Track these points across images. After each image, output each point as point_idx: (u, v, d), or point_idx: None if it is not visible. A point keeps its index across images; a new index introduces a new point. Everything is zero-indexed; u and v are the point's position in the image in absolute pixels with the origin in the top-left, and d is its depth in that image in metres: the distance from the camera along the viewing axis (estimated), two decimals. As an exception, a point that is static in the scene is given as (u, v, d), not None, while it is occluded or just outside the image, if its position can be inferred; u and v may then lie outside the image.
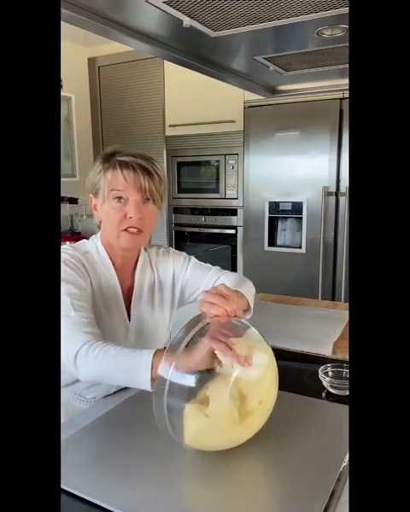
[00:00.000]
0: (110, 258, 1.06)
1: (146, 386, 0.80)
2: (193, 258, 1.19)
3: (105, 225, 1.05)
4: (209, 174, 3.05)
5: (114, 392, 1.08)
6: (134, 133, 3.32)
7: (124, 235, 1.01)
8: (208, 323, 0.79)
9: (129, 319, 1.09)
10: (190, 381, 0.75)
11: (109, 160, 1.01)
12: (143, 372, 0.80)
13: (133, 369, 0.82)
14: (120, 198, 0.99)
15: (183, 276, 1.15)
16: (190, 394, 0.76)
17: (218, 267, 1.16)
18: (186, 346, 0.75)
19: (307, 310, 1.68)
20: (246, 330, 0.83)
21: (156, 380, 0.76)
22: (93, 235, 1.10)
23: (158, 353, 0.81)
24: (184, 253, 1.19)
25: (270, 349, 0.82)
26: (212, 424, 0.75)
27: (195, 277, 1.14)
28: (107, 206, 1.01)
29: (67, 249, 1.04)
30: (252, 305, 0.98)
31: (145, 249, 1.15)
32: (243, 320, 0.84)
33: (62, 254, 1.01)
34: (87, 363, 0.86)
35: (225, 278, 1.08)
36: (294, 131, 2.60)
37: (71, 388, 1.11)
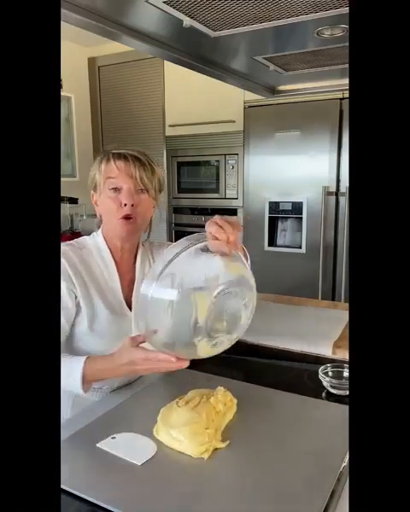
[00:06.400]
0: (111, 252, 1.10)
1: (80, 391, 0.88)
2: None
3: (105, 217, 1.09)
4: (209, 174, 3.05)
5: (117, 389, 1.10)
6: (134, 133, 3.32)
7: (120, 223, 1.05)
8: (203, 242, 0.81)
9: (130, 310, 1.11)
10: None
11: (105, 154, 1.06)
12: (74, 383, 0.88)
13: (66, 377, 0.88)
14: (114, 187, 1.03)
15: None
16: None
17: None
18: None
19: (307, 310, 1.68)
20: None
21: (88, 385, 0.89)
22: (94, 232, 1.13)
23: (89, 360, 0.88)
24: None
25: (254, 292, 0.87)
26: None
27: None
28: (104, 197, 1.05)
29: (61, 247, 1.06)
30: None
31: (143, 244, 1.18)
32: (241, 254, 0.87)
33: None
34: None
35: None
36: (294, 131, 2.60)
37: None
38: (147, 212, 1.08)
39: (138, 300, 0.82)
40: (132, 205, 1.03)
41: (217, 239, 0.80)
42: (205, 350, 0.82)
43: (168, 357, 0.80)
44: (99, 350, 1.00)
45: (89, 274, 1.06)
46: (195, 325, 0.79)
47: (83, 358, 0.89)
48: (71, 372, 0.88)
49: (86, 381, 0.88)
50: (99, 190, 1.06)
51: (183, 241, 0.81)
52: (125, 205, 1.03)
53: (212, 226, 0.80)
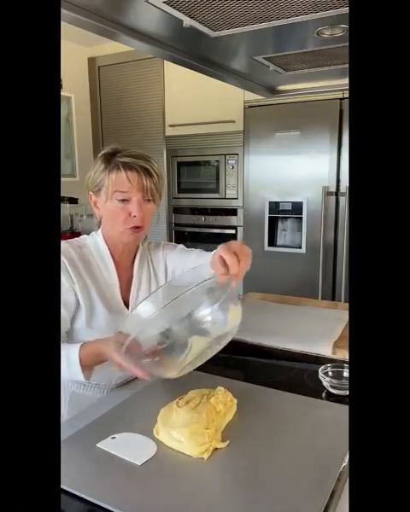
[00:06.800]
0: (110, 252, 1.12)
1: (81, 379, 0.92)
2: (181, 245, 1.26)
3: (107, 221, 1.10)
4: (209, 174, 3.05)
5: (117, 387, 1.10)
6: (134, 133, 3.32)
7: (127, 232, 1.07)
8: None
9: (127, 308, 1.13)
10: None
11: (111, 160, 1.05)
12: (74, 369, 0.90)
13: (66, 367, 0.91)
14: (124, 199, 1.04)
15: (171, 260, 1.22)
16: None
17: (200, 249, 1.22)
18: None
19: (307, 310, 1.68)
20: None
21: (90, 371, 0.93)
22: (94, 232, 1.15)
23: (84, 346, 0.91)
24: (174, 243, 1.28)
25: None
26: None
27: (180, 260, 1.21)
28: (110, 205, 1.06)
29: (61, 245, 1.07)
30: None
31: (142, 244, 1.21)
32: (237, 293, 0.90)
33: None
34: None
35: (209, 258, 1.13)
36: (294, 131, 2.60)
37: None
38: (151, 217, 1.11)
39: (133, 317, 0.85)
40: (142, 216, 1.05)
41: (226, 270, 0.81)
42: (172, 375, 0.88)
43: (135, 371, 0.85)
44: None
45: (88, 272, 1.07)
46: (180, 363, 0.83)
47: (78, 345, 0.92)
48: (68, 358, 0.91)
49: (84, 366, 0.90)
50: (104, 196, 1.06)
51: (192, 278, 0.84)
52: (135, 216, 1.05)
53: (228, 255, 0.81)
